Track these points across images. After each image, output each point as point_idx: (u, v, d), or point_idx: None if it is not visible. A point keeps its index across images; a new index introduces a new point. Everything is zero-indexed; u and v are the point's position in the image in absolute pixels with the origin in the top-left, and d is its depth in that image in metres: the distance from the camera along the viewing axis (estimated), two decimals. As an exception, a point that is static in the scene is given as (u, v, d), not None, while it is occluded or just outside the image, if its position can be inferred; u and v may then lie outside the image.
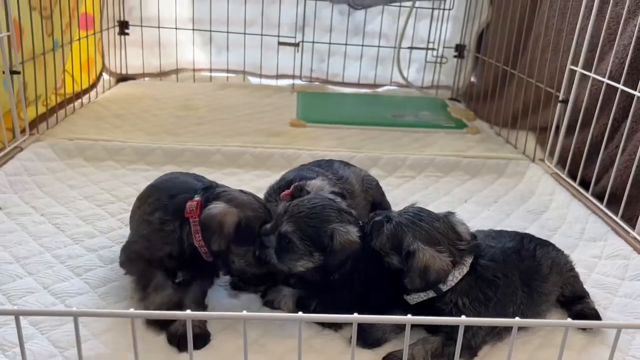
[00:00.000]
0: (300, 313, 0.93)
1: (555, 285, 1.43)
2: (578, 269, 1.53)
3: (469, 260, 1.30)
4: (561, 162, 2.31)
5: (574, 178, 2.18)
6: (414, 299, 1.32)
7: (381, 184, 2.18)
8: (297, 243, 1.31)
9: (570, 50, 2.25)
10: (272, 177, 2.19)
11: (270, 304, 1.44)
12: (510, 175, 2.36)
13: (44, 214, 1.81)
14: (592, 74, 2.10)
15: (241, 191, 1.36)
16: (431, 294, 1.30)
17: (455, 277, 1.28)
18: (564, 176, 2.22)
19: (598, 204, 1.98)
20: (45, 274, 1.50)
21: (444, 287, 1.28)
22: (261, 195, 1.54)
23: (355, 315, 0.92)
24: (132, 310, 0.91)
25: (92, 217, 1.81)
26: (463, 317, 0.93)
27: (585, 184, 2.12)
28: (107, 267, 1.56)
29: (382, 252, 1.33)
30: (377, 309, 1.34)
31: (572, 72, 2.24)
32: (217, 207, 1.28)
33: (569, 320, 0.94)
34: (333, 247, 1.29)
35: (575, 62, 2.22)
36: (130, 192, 2.00)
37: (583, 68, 2.18)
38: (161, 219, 1.33)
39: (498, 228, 1.90)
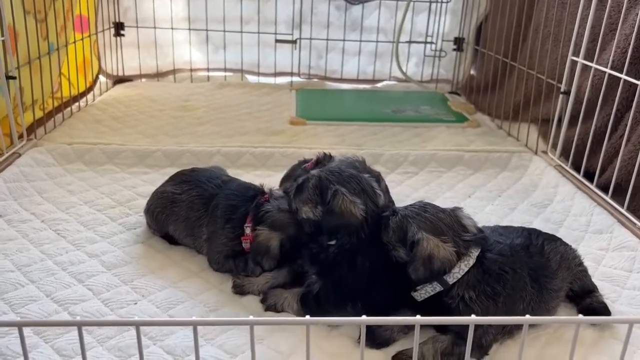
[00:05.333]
0: (307, 317, 0.91)
1: (565, 280, 1.41)
2: (585, 262, 1.51)
3: (475, 253, 1.28)
4: (564, 154, 2.29)
5: (578, 170, 2.16)
6: (421, 294, 1.31)
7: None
8: (309, 189, 1.38)
9: (571, 40, 2.23)
10: (274, 177, 2.18)
11: (273, 308, 1.42)
12: (514, 169, 2.34)
13: (44, 220, 1.79)
14: (593, 65, 2.07)
15: (279, 209, 1.46)
16: (438, 287, 1.28)
17: (461, 269, 1.26)
18: (567, 168, 2.20)
19: (603, 195, 1.96)
20: (47, 282, 1.48)
21: (450, 280, 1.27)
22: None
23: (364, 317, 0.91)
24: (136, 318, 0.89)
25: (92, 222, 1.79)
26: (473, 317, 0.91)
27: (589, 176, 2.10)
28: (109, 272, 1.54)
29: (390, 245, 1.32)
30: (382, 304, 1.35)
31: (574, 63, 2.22)
32: (262, 234, 1.44)
33: (580, 316, 0.92)
34: (331, 207, 1.33)
35: (576, 52, 2.20)
36: (130, 196, 1.98)
37: (584, 58, 2.15)
38: (233, 229, 1.52)
39: (503, 223, 1.90)
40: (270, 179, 2.17)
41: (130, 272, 1.55)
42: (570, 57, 2.23)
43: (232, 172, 2.19)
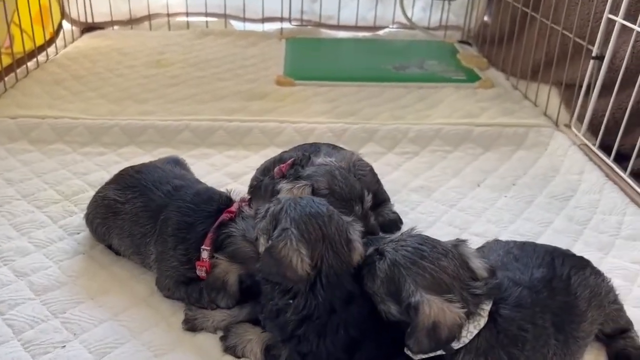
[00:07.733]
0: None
1: (594, 322, 1.13)
2: (615, 280, 1.22)
3: (486, 309, 1.00)
4: (591, 130, 1.96)
5: (607, 151, 1.83)
6: (418, 355, 1.03)
7: (378, 162, 1.88)
8: (269, 215, 1.08)
9: (608, -6, 1.84)
10: (250, 159, 1.88)
11: (232, 351, 1.15)
12: (531, 147, 2.00)
13: (-32, 222, 1.51)
14: (636, 27, 1.70)
15: (245, 237, 1.18)
16: (438, 352, 1.01)
17: (469, 332, 0.99)
18: (595, 149, 1.87)
19: (638, 188, 1.65)
20: (-44, 313, 1.22)
21: (456, 345, 0.99)
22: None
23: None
24: None
25: (28, 224, 1.50)
26: None
27: (621, 158, 1.78)
28: (38, 299, 1.27)
29: (377, 297, 1.04)
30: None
31: (610, 23, 1.84)
32: (219, 265, 1.17)
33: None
34: (270, 246, 1.04)
35: (614, 10, 1.82)
36: (78, 187, 1.68)
37: (624, 18, 1.78)
38: (186, 251, 1.24)
39: (518, 221, 1.62)
40: (246, 162, 1.87)
41: (63, 298, 1.27)
42: (606, 14, 1.85)
43: (202, 153, 1.91)
